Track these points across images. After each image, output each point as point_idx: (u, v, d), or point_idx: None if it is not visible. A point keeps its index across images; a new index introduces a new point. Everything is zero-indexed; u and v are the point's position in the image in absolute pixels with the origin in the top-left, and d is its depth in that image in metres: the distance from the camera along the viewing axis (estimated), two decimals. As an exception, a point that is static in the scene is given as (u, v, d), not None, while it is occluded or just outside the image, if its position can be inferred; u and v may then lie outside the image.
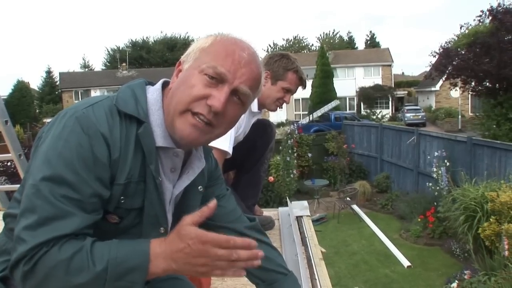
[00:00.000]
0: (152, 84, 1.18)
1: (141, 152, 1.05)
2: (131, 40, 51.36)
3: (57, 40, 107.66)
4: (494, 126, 14.26)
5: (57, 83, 42.48)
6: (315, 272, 1.94)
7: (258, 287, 1.36)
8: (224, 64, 1.04)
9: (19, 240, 0.91)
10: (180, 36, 52.01)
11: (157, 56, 49.09)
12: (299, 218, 2.70)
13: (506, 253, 6.13)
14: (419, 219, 9.59)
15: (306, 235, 2.43)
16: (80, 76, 42.08)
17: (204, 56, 1.07)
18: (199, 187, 1.25)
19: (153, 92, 1.12)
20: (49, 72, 44.28)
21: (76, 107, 1.03)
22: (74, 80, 39.85)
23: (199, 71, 1.05)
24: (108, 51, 51.53)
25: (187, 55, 1.12)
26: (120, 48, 49.26)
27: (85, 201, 0.96)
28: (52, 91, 42.77)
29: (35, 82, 71.98)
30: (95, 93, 37.86)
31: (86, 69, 50.99)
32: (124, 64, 41.89)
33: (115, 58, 46.44)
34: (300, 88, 2.51)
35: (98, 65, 65.40)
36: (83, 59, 68.03)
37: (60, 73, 41.98)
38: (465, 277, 6.51)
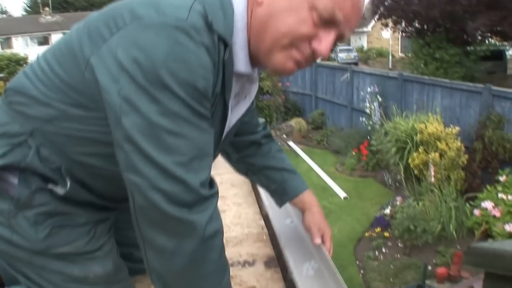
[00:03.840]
0: None
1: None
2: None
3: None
4: (422, 65, 14.81)
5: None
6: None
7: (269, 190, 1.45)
8: (342, 9, 0.87)
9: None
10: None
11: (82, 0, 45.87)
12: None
13: (433, 179, 6.58)
14: (353, 153, 9.92)
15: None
16: (-2, 21, 38.66)
17: None
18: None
19: (238, 5, 0.90)
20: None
21: (170, 14, 0.79)
22: (-9, 25, 36.51)
23: (311, 7, 0.86)
24: (27, -6, 47.55)
25: None
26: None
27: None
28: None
29: None
30: (16, 41, 34.53)
31: (4, 16, 46.99)
32: (47, 8, 38.39)
33: (36, 3, 42.86)
34: None
35: (17, 10, 60.11)
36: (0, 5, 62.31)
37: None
38: (397, 203, 6.94)
